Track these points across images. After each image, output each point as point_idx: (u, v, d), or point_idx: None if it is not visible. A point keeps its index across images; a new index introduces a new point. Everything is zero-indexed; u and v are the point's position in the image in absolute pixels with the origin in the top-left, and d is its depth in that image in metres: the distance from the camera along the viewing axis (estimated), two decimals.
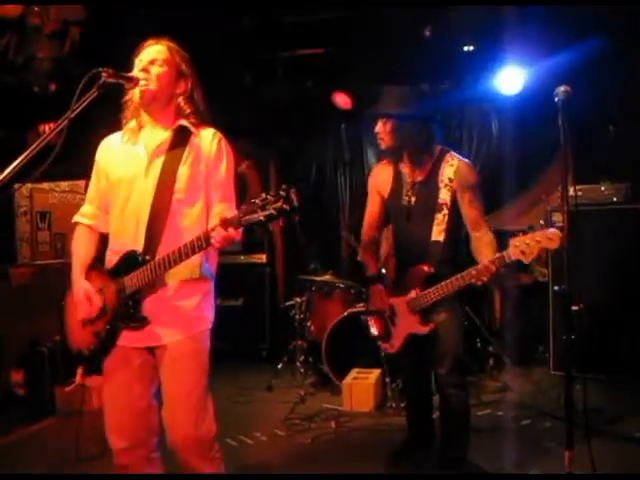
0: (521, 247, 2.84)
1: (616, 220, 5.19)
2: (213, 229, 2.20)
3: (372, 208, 3.53)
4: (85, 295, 2.46)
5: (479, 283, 2.99)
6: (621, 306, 5.06)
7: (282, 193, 2.04)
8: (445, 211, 3.18)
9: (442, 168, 3.23)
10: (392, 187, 3.39)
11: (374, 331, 3.50)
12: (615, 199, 5.31)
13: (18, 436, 4.44)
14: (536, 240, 2.81)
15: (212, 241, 2.21)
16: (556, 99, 2.61)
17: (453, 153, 3.28)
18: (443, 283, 3.09)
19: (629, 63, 5.51)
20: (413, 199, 3.29)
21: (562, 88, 2.59)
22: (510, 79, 5.93)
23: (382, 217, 3.52)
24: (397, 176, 3.38)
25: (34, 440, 4.40)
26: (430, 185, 3.25)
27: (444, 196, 3.18)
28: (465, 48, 6.10)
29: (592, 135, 5.69)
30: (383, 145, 3.29)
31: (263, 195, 2.07)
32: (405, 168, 3.35)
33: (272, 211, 2.04)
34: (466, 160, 3.28)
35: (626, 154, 5.70)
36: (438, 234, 3.18)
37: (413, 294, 3.23)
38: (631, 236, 5.12)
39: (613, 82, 5.69)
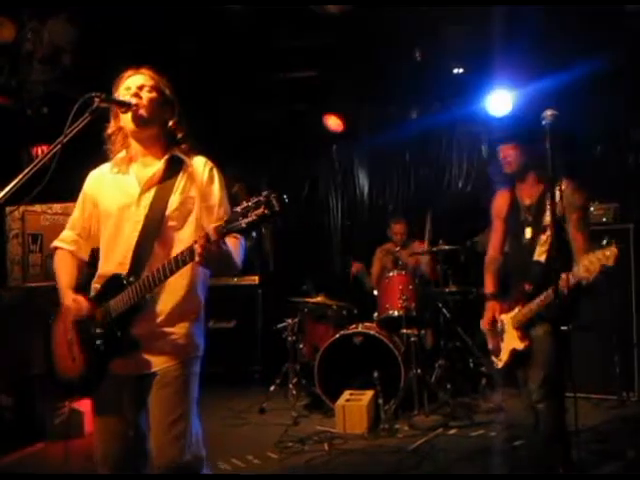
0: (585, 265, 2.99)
1: (605, 240, 5.21)
2: (196, 241, 2.17)
3: (495, 231, 3.65)
4: (74, 301, 2.44)
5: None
6: (611, 325, 5.08)
7: (262, 199, 2.03)
8: (549, 232, 3.23)
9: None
10: (510, 210, 3.52)
11: (489, 345, 3.57)
12: (604, 219, 5.36)
13: (6, 461, 4.38)
14: (597, 258, 2.96)
15: (195, 253, 2.16)
16: (543, 122, 2.65)
17: (564, 178, 3.26)
18: (532, 301, 3.20)
19: (616, 85, 5.60)
20: (528, 220, 3.39)
21: (549, 111, 2.63)
22: (499, 101, 5.99)
23: (505, 240, 3.60)
24: (514, 200, 3.50)
25: (23, 465, 4.34)
26: (540, 207, 3.35)
27: (549, 217, 3.22)
28: (455, 71, 6.18)
29: (580, 156, 5.74)
30: (509, 169, 3.40)
31: (244, 203, 2.05)
32: (521, 192, 3.46)
33: (253, 217, 2.03)
34: (573, 182, 3.28)
35: (614, 175, 5.76)
36: (540, 254, 3.28)
37: (516, 310, 3.34)
38: (620, 256, 5.13)
39: (600, 104, 5.76)
